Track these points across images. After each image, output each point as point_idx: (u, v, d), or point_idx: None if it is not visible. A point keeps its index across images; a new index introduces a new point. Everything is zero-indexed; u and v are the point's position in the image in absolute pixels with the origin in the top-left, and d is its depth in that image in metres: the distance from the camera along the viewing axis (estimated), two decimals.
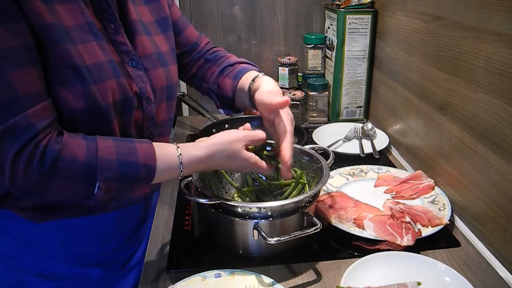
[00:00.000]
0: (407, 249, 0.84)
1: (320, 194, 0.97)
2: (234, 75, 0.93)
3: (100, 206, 0.79)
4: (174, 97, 0.87)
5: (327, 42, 1.52)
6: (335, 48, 1.45)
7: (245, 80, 0.91)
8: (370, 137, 1.36)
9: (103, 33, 0.72)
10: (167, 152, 0.72)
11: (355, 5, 1.40)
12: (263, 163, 0.80)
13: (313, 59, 1.54)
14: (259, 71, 0.94)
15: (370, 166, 1.17)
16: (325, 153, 0.97)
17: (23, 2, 0.61)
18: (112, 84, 0.70)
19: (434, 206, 0.97)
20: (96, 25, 0.71)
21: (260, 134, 0.80)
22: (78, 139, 0.67)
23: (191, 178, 0.87)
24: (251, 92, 0.89)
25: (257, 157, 0.79)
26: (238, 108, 0.97)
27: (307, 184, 0.92)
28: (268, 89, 0.85)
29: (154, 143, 0.72)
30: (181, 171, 0.73)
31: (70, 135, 0.67)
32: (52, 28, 0.64)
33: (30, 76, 0.63)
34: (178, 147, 0.73)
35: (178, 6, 1.51)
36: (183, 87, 1.60)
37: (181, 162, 0.72)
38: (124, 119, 0.75)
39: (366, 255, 0.81)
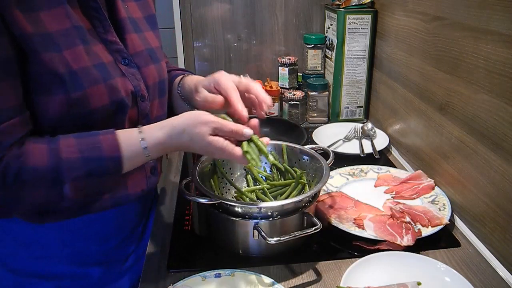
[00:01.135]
0: (407, 249, 0.84)
1: (320, 194, 0.97)
2: (170, 79, 0.94)
3: (78, 206, 0.78)
4: (166, 93, 0.88)
5: (327, 42, 1.52)
6: (335, 48, 1.45)
7: (176, 81, 0.93)
8: (370, 137, 1.36)
9: (93, 33, 0.72)
10: (131, 140, 0.71)
11: (355, 5, 1.40)
12: (233, 150, 0.71)
13: (313, 59, 1.54)
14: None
15: (370, 166, 1.17)
16: (325, 153, 0.97)
17: (3, 13, 0.60)
18: (99, 89, 0.69)
19: (434, 206, 0.97)
20: (84, 26, 0.70)
21: (231, 126, 0.71)
22: (40, 144, 0.67)
23: (191, 178, 0.87)
24: (180, 85, 0.91)
25: (226, 142, 0.71)
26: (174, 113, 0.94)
27: (307, 184, 0.92)
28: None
29: (117, 132, 0.71)
30: (148, 156, 0.72)
31: (32, 141, 0.67)
32: (34, 38, 0.63)
33: (3, 90, 0.62)
34: (141, 131, 0.71)
35: (178, 6, 1.51)
36: None
37: (145, 147, 0.71)
38: (116, 120, 0.74)
39: (366, 255, 0.81)
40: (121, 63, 0.75)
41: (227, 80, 0.78)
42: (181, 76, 0.93)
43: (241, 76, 0.80)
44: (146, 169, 0.85)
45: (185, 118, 0.71)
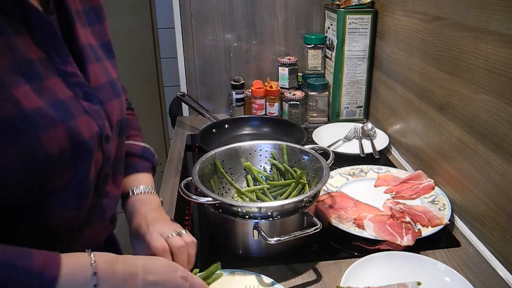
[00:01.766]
0: (407, 249, 0.84)
1: (320, 194, 0.97)
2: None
3: None
4: (125, 131, 0.78)
5: (327, 42, 1.52)
6: (335, 48, 1.45)
7: (127, 184, 0.82)
8: (370, 137, 1.36)
9: (47, 64, 0.59)
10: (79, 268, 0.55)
11: (355, 5, 1.40)
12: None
13: (313, 59, 1.54)
14: (152, 170, 0.87)
15: (370, 166, 1.17)
16: (325, 153, 0.97)
17: None
18: (58, 133, 0.57)
19: (434, 206, 0.97)
20: (35, 58, 0.57)
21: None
22: None
23: (191, 178, 0.87)
24: (125, 204, 0.81)
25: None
26: None
27: (307, 184, 0.92)
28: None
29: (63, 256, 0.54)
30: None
31: None
32: None
33: None
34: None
35: (178, 6, 1.51)
36: (183, 87, 1.61)
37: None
38: (77, 167, 0.61)
39: (366, 255, 0.81)
40: (82, 98, 0.63)
41: (158, 247, 0.70)
42: (127, 194, 0.81)
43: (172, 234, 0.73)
44: (107, 219, 0.73)
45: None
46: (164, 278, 0.61)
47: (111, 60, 0.75)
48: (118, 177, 0.76)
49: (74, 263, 0.55)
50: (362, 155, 1.24)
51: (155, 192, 0.83)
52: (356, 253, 0.85)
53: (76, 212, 0.64)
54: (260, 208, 0.81)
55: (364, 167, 1.17)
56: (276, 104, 1.53)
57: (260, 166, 1.02)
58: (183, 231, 0.74)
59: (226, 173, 0.97)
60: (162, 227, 0.74)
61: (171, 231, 0.73)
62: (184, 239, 0.72)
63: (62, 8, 0.66)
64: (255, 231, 0.80)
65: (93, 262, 0.55)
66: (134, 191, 0.81)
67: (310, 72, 1.55)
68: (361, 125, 1.42)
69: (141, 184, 0.82)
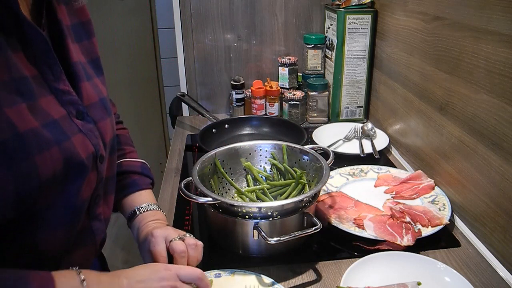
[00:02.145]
0: (407, 249, 0.84)
1: (320, 194, 0.97)
2: (120, 187, 0.82)
3: None
4: (116, 149, 0.77)
5: (327, 42, 1.52)
6: (335, 48, 1.45)
7: (130, 203, 0.81)
8: (370, 137, 1.36)
9: (41, 82, 0.57)
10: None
11: (355, 5, 1.40)
12: None
13: (313, 59, 1.54)
14: (151, 185, 0.86)
15: (370, 166, 1.17)
16: (325, 153, 0.97)
17: None
18: (53, 154, 0.55)
19: (434, 206, 0.97)
20: (30, 75, 0.55)
21: None
22: None
23: (191, 178, 0.87)
24: (131, 223, 0.80)
25: None
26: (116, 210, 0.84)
27: (307, 184, 0.92)
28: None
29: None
30: None
31: None
32: None
33: None
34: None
35: (178, 6, 1.51)
36: (183, 87, 1.61)
37: None
38: (69, 189, 0.60)
39: (366, 255, 0.81)
40: (76, 117, 0.62)
41: (155, 251, 0.69)
42: (132, 212, 0.81)
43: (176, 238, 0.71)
44: (97, 242, 0.72)
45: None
46: (148, 286, 0.60)
47: (100, 77, 0.74)
48: (109, 197, 0.75)
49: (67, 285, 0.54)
50: (362, 155, 1.24)
51: (159, 208, 0.83)
52: (356, 253, 0.85)
53: (65, 234, 0.62)
54: (260, 208, 0.81)
55: (364, 167, 1.17)
56: (276, 104, 1.53)
57: (260, 166, 1.02)
58: (187, 235, 0.73)
59: (226, 173, 0.97)
60: (167, 231, 0.73)
61: (176, 235, 0.72)
62: (187, 242, 0.71)
63: (54, 23, 0.64)
64: (255, 231, 0.80)
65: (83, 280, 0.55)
66: (140, 209, 0.80)
67: (310, 72, 1.55)
68: (361, 125, 1.42)
69: (144, 202, 0.82)
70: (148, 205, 0.81)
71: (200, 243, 0.73)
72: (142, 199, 0.82)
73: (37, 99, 0.56)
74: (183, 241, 0.71)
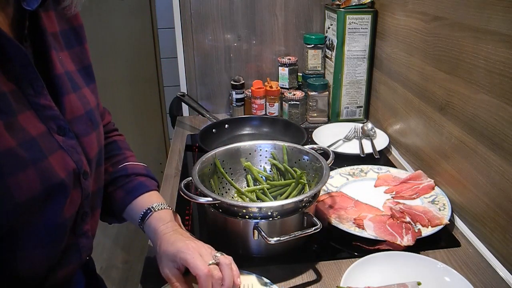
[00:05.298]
0: (407, 249, 0.84)
1: (320, 194, 0.97)
2: (129, 189, 0.81)
3: None
4: (103, 162, 0.74)
5: (327, 42, 1.52)
6: (335, 48, 1.45)
7: (141, 203, 0.79)
8: (370, 137, 1.36)
9: (19, 96, 0.55)
10: None
11: (355, 5, 1.40)
12: None
13: (313, 59, 1.54)
14: (158, 188, 0.85)
15: (370, 166, 1.17)
16: (325, 153, 0.97)
17: None
18: (28, 176, 0.53)
19: (434, 206, 0.97)
20: (6, 89, 0.53)
21: None
22: None
23: (191, 178, 0.87)
24: (145, 222, 0.78)
25: None
26: (123, 218, 0.83)
27: (307, 184, 0.92)
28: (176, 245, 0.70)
29: None
30: None
31: None
32: None
33: None
34: None
35: (178, 6, 1.51)
36: (183, 87, 1.61)
37: None
38: (49, 210, 0.58)
39: (366, 255, 0.81)
40: (57, 133, 0.59)
41: (199, 267, 0.66)
42: (145, 212, 0.79)
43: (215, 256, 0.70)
44: (83, 259, 0.70)
45: None
46: None
47: (90, 86, 0.71)
48: (96, 212, 0.73)
49: None
50: (362, 155, 1.24)
51: (169, 207, 0.82)
52: (356, 253, 0.85)
53: (47, 254, 0.60)
54: (260, 208, 0.81)
55: (364, 167, 1.17)
56: (276, 104, 1.53)
57: (260, 166, 1.02)
58: (218, 255, 0.70)
59: (226, 173, 0.97)
60: (201, 250, 0.70)
61: (209, 255, 0.69)
62: (222, 262, 0.68)
63: (37, 34, 0.61)
64: (255, 231, 0.80)
65: None
66: (153, 208, 0.78)
67: (310, 72, 1.55)
68: (361, 125, 1.42)
69: (155, 202, 0.80)
70: (160, 205, 0.80)
71: (230, 259, 0.70)
72: (153, 199, 0.81)
73: (16, 116, 0.54)
74: (217, 264, 0.68)
